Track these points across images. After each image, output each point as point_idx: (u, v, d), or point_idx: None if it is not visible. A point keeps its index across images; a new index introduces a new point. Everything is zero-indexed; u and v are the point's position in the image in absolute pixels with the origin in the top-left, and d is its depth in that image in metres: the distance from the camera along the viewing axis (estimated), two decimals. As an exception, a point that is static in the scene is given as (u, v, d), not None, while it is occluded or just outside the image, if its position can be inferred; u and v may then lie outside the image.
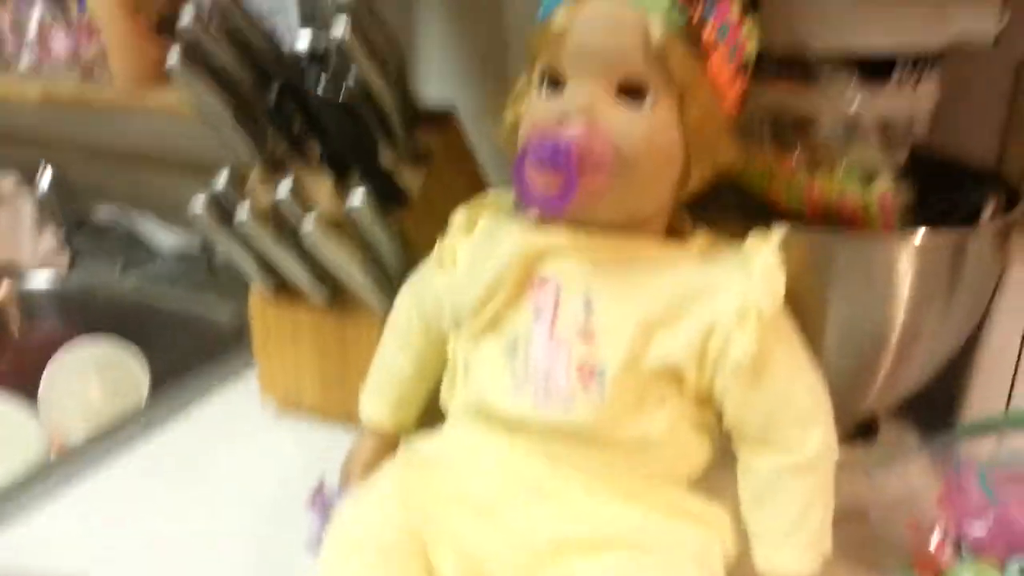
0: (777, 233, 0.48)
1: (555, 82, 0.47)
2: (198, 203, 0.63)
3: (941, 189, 0.60)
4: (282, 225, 0.64)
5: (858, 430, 0.64)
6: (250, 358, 0.84)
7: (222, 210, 0.65)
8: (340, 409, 0.72)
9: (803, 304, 0.50)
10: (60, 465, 0.71)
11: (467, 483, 0.50)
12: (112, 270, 1.12)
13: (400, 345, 0.60)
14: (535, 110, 0.48)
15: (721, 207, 0.54)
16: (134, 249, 1.16)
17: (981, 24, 0.52)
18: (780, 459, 0.48)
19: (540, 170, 0.45)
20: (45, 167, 1.18)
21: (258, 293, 0.72)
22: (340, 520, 0.50)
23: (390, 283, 0.65)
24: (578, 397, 0.47)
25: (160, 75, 0.96)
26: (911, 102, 0.55)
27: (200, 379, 0.82)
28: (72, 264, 1.16)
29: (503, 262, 0.50)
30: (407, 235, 0.65)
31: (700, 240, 0.50)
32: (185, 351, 0.94)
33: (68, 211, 1.20)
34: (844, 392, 0.53)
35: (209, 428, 0.76)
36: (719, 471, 0.51)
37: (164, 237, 1.16)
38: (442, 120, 0.70)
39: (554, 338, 0.48)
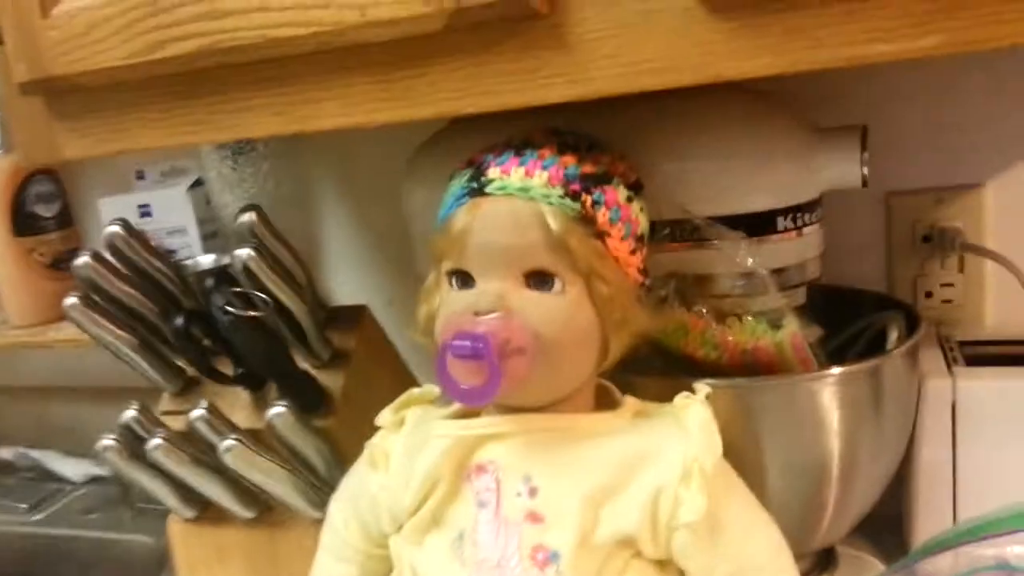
0: (702, 388, 0.49)
1: (464, 279, 0.48)
2: (105, 440, 0.60)
3: (843, 318, 0.63)
4: (199, 448, 0.61)
5: (818, 562, 0.63)
6: (176, 589, 0.78)
7: (132, 442, 0.62)
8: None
9: (740, 453, 0.50)
10: None
11: None
12: (17, 512, 1.04)
13: (338, 552, 0.57)
14: (449, 305, 0.48)
15: (641, 368, 0.55)
16: (40, 486, 1.09)
17: (848, 172, 0.57)
18: None
19: (462, 364, 0.45)
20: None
21: (176, 520, 0.68)
22: None
23: (322, 489, 0.62)
24: None
25: (59, 311, 0.94)
26: (799, 248, 0.58)
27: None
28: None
29: (436, 457, 0.49)
30: (334, 438, 0.63)
31: (629, 406, 0.50)
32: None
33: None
34: (796, 529, 0.53)
35: None
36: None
37: (72, 468, 1.10)
38: (355, 316, 0.70)
39: (501, 525, 0.47)
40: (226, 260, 0.61)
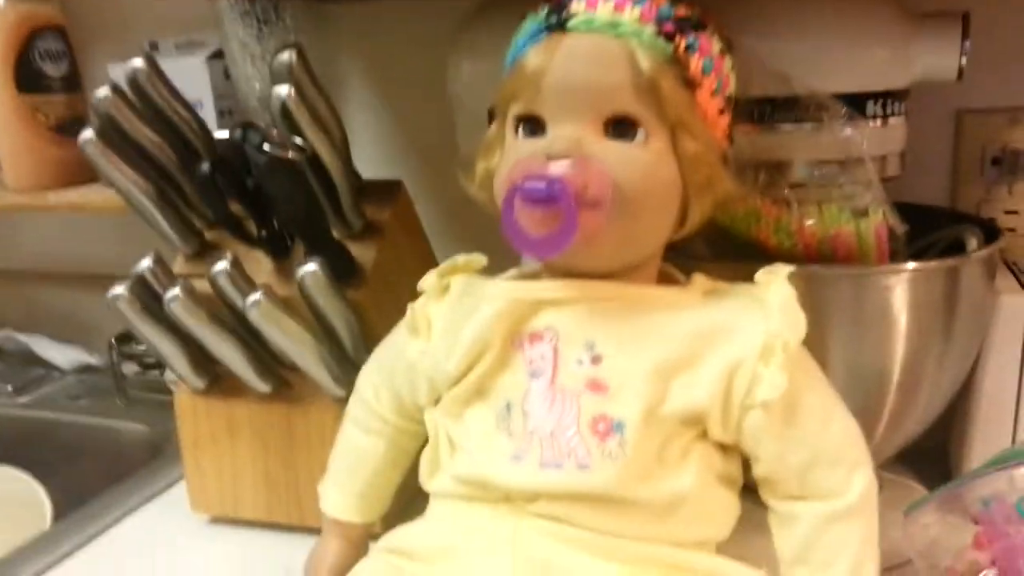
0: (783, 268, 0.45)
1: (534, 127, 0.44)
2: (119, 287, 0.56)
3: (918, 230, 0.60)
4: (218, 306, 0.57)
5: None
6: (171, 477, 0.75)
7: (147, 296, 0.57)
8: (289, 514, 0.64)
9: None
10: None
11: (467, 570, 0.43)
12: (3, 393, 1.00)
13: (366, 426, 0.53)
14: (517, 152, 0.44)
15: (694, 254, 0.51)
16: (27, 370, 1.05)
17: (945, 61, 0.53)
18: (825, 506, 0.43)
19: (533, 209, 0.41)
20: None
21: (185, 392, 0.64)
22: None
23: (347, 364, 0.58)
24: (596, 455, 0.42)
25: (60, 178, 0.89)
26: (884, 138, 0.54)
27: (114, 502, 0.72)
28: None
29: (487, 321, 0.45)
30: (362, 312, 0.59)
31: (699, 284, 0.46)
32: (95, 472, 0.83)
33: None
34: None
35: (129, 553, 0.65)
36: (745, 534, 0.46)
37: (61, 354, 1.05)
38: (390, 191, 0.65)
39: (556, 394, 0.43)
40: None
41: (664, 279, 0.47)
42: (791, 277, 0.44)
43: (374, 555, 0.47)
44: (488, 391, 0.46)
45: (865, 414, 0.53)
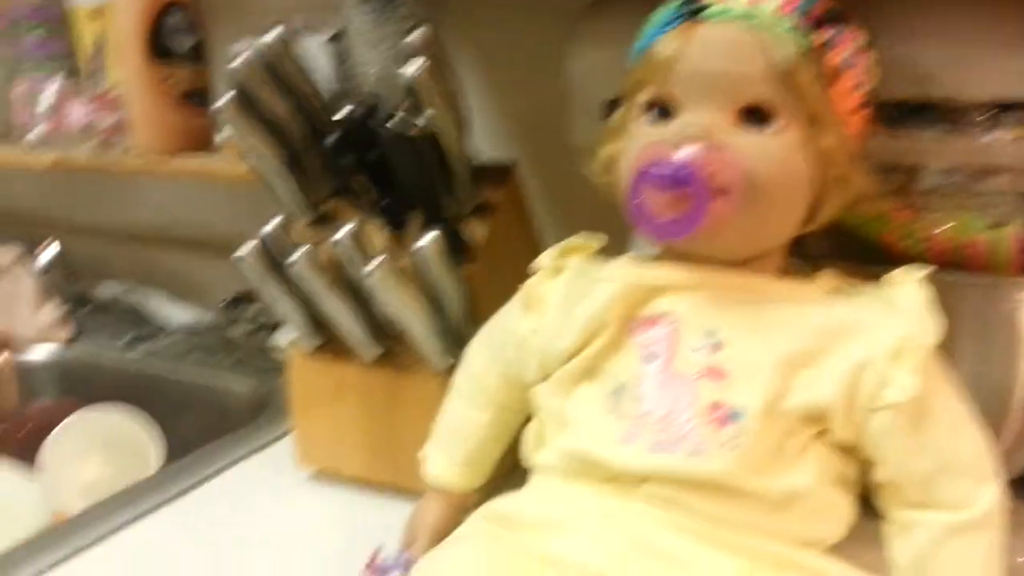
0: (920, 270, 0.44)
1: (663, 113, 0.44)
2: (246, 246, 0.59)
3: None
4: (335, 271, 0.59)
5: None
6: (275, 432, 0.78)
7: (269, 256, 0.60)
8: (387, 477, 0.65)
9: None
10: (60, 534, 0.63)
11: (567, 545, 0.43)
12: (118, 345, 1.06)
13: (473, 398, 0.55)
14: (645, 137, 0.44)
15: (811, 255, 0.50)
16: (142, 325, 1.10)
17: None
18: (948, 517, 0.42)
19: (662, 192, 0.41)
20: (49, 242, 1.14)
21: (297, 351, 0.66)
22: None
23: (453, 338, 0.60)
24: (710, 442, 0.42)
25: (183, 145, 0.94)
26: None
27: (219, 452, 0.75)
28: (74, 339, 1.09)
29: (603, 302, 0.46)
30: (473, 288, 0.60)
31: (826, 280, 0.46)
32: (200, 426, 0.87)
33: (71, 288, 1.15)
34: None
35: (233, 499, 0.68)
36: (855, 547, 0.45)
37: (173, 312, 1.11)
38: (503, 173, 0.66)
39: (673, 378, 0.43)
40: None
41: (787, 274, 0.47)
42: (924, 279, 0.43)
43: (474, 521, 0.48)
44: (598, 372, 0.46)
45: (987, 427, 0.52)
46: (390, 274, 0.55)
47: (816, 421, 0.42)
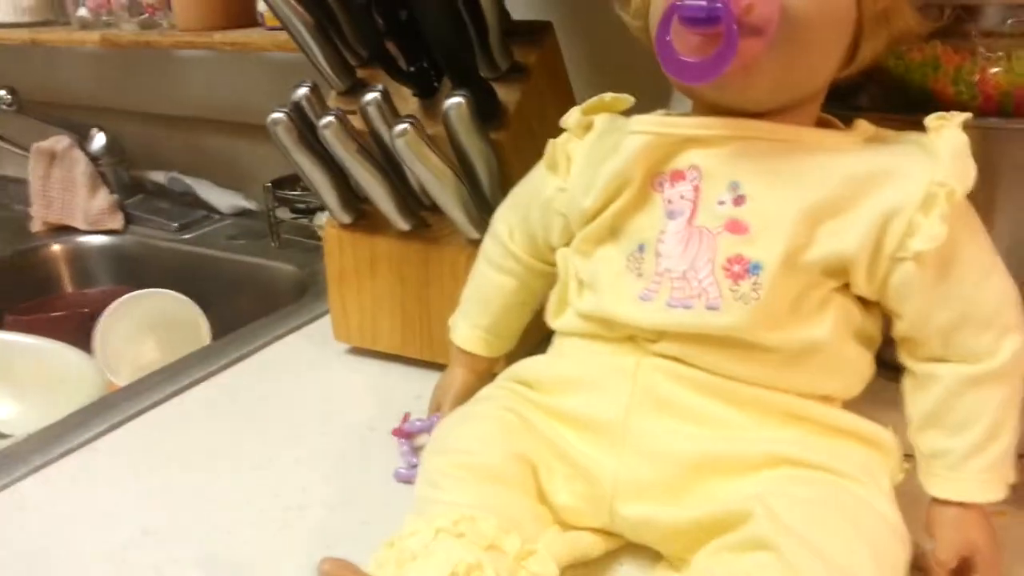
0: (959, 115, 0.41)
1: None
2: (277, 112, 0.58)
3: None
4: (367, 138, 0.58)
5: None
6: (317, 311, 0.79)
7: (302, 123, 0.59)
8: (420, 351, 0.66)
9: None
10: (112, 403, 0.66)
11: (585, 401, 0.44)
12: (168, 230, 1.08)
13: (499, 264, 0.54)
14: None
15: (860, 103, 0.48)
16: (190, 211, 1.12)
17: None
18: (968, 368, 0.41)
19: (692, 29, 0.39)
20: (97, 131, 1.15)
21: (332, 222, 0.66)
22: (438, 446, 0.45)
23: (484, 204, 0.59)
24: (727, 296, 0.41)
25: (225, 20, 0.92)
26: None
27: (263, 328, 0.77)
28: (126, 226, 1.12)
29: (630, 154, 0.44)
30: (503, 153, 0.59)
31: (862, 130, 0.43)
32: (247, 306, 0.89)
33: (121, 175, 1.16)
34: None
35: (275, 372, 0.70)
36: (876, 410, 0.44)
37: (221, 199, 1.12)
38: (538, 33, 0.64)
39: (693, 234, 0.42)
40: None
41: (823, 125, 0.44)
42: (965, 126, 0.40)
43: (496, 383, 0.49)
44: (622, 231, 0.45)
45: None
46: (417, 138, 0.54)
47: (839, 273, 0.41)
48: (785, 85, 0.41)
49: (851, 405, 0.45)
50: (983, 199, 0.46)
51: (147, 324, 0.90)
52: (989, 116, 0.46)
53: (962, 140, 0.40)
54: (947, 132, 0.40)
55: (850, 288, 0.42)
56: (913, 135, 0.42)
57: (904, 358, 0.43)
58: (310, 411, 0.63)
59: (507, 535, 0.39)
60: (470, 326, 0.56)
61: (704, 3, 0.38)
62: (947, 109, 0.46)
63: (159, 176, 1.17)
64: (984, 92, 0.46)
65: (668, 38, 0.40)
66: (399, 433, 0.57)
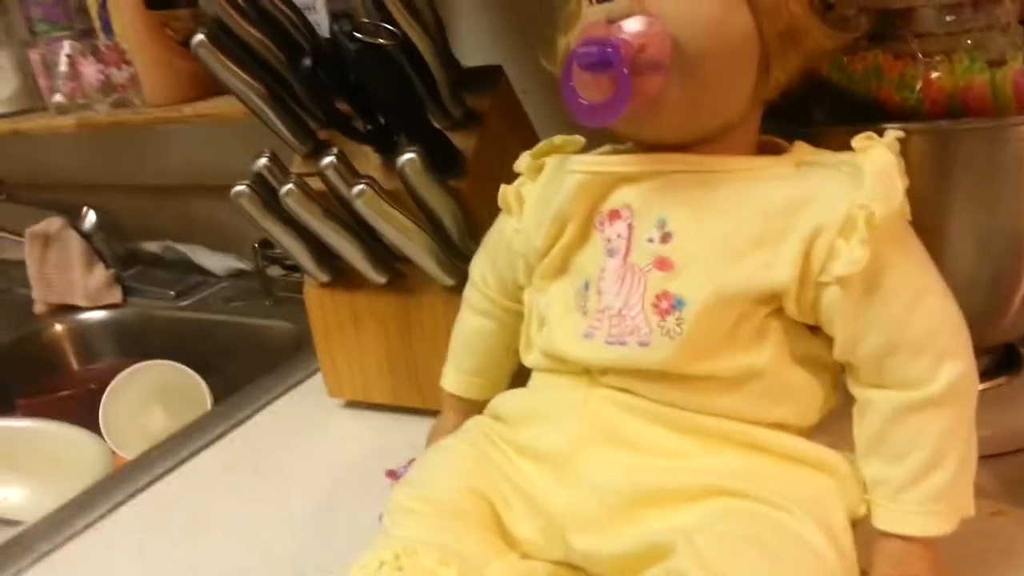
0: (892, 132, 0.41)
1: None
2: (240, 185, 0.59)
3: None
4: (331, 200, 0.59)
5: (998, 361, 0.56)
6: (310, 368, 0.80)
7: (266, 192, 0.60)
8: (412, 400, 0.67)
9: (925, 215, 0.42)
10: (118, 479, 0.67)
11: (541, 435, 0.45)
12: (166, 299, 1.10)
13: (477, 308, 0.55)
14: (585, 17, 0.42)
15: (807, 121, 0.48)
16: (187, 277, 1.14)
17: None
18: (903, 395, 0.40)
19: (588, 74, 0.39)
20: (88, 209, 1.17)
21: (312, 285, 0.67)
22: (405, 479, 0.47)
23: (454, 251, 0.59)
24: (655, 331, 0.41)
25: (193, 91, 0.94)
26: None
27: (260, 390, 0.78)
28: (125, 298, 1.14)
29: (569, 193, 0.45)
30: (466, 200, 0.59)
31: (796, 153, 0.43)
32: (246, 368, 0.89)
33: (115, 249, 1.18)
34: (979, 313, 0.45)
35: (275, 432, 0.71)
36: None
37: (215, 262, 1.14)
38: (489, 77, 0.64)
39: (627, 272, 0.43)
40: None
41: (767, 149, 0.45)
42: (900, 141, 0.40)
43: (478, 418, 0.50)
44: (570, 268, 0.46)
45: (997, 285, 0.50)
46: (375, 197, 0.55)
47: (771, 300, 0.41)
48: (697, 115, 0.41)
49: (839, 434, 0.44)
50: (938, 203, 0.47)
51: (150, 395, 0.91)
52: (938, 119, 0.46)
53: (887, 160, 0.39)
54: (873, 152, 0.40)
55: (787, 314, 0.41)
56: (846, 156, 0.41)
57: (849, 385, 0.43)
58: (309, 468, 0.64)
59: (446, 568, 0.40)
60: (457, 371, 0.57)
61: (595, 49, 0.38)
62: (896, 117, 0.47)
63: (153, 246, 1.18)
64: (929, 97, 0.46)
65: (571, 83, 0.40)
66: (391, 475, 0.58)
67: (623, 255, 0.43)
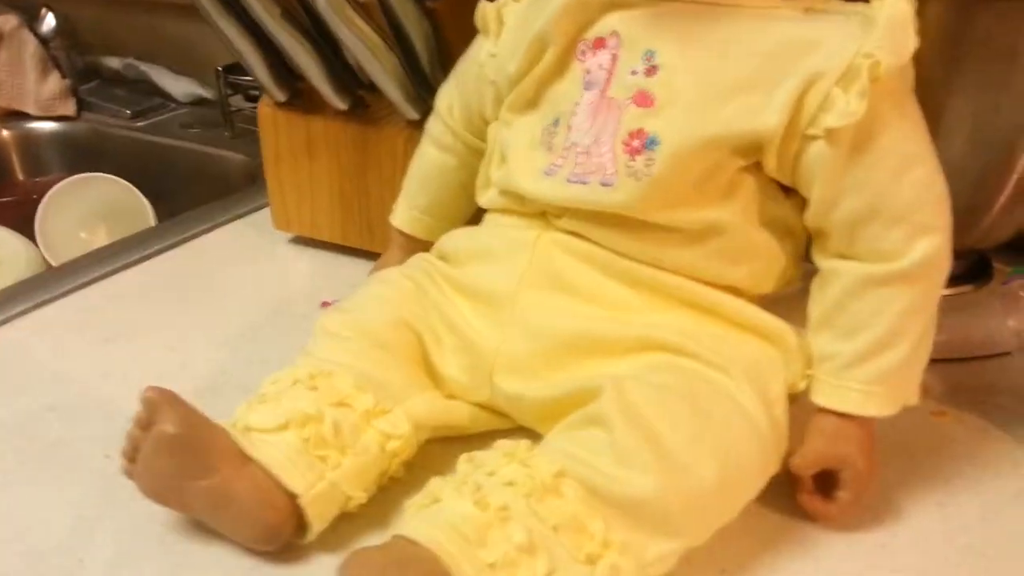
0: None
1: None
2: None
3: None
4: (294, 6, 0.54)
5: (970, 270, 0.54)
6: (264, 201, 0.76)
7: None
8: (361, 238, 0.64)
9: (920, 92, 0.39)
10: (49, 278, 0.64)
11: (484, 274, 0.43)
12: (121, 118, 1.04)
13: (439, 142, 0.52)
14: None
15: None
16: (145, 98, 1.07)
17: None
18: (871, 267, 0.37)
19: None
20: (47, 11, 1.09)
21: (268, 104, 0.63)
22: (334, 307, 0.45)
23: (423, 82, 0.55)
24: (621, 172, 0.38)
25: None
26: None
27: (209, 214, 0.74)
28: (79, 112, 1.08)
29: (550, 17, 0.41)
30: (441, 23, 0.55)
31: None
32: (197, 197, 0.85)
33: (74, 60, 1.11)
34: (962, 208, 0.43)
35: (214, 256, 0.68)
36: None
37: (177, 86, 1.07)
38: None
39: (603, 106, 0.39)
40: None
41: None
42: (918, 3, 0.36)
43: (423, 255, 0.48)
44: (542, 101, 0.43)
45: (984, 180, 0.47)
46: (343, 1, 0.50)
47: (750, 152, 0.38)
48: None
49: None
50: (942, 80, 0.43)
51: (92, 211, 0.87)
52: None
53: (904, 11, 0.36)
54: (890, 1, 0.36)
55: (763, 169, 0.39)
56: (860, 5, 0.38)
57: (814, 255, 0.40)
58: (240, 296, 0.61)
59: (362, 393, 0.39)
60: (408, 206, 0.54)
61: None
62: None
63: (114, 62, 1.12)
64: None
65: None
66: (325, 306, 0.56)
67: (602, 88, 0.40)
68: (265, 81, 0.60)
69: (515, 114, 0.44)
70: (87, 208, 0.86)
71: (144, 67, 1.09)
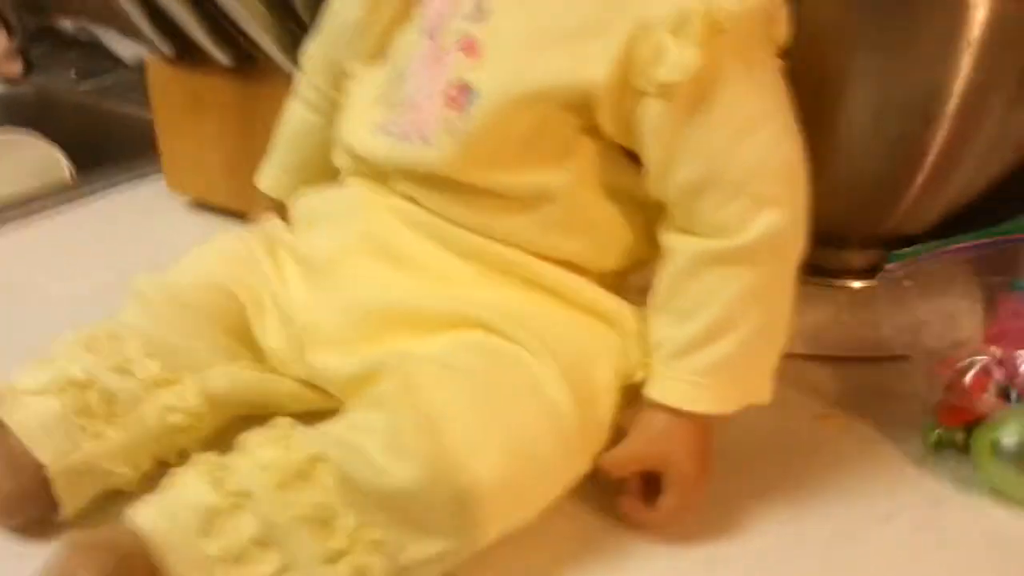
0: None
1: None
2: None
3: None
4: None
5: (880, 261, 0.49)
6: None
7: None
8: (248, 201, 0.59)
9: (820, 50, 0.36)
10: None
11: (313, 238, 0.39)
12: (66, 80, 1.01)
13: (303, 98, 0.48)
14: None
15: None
16: (95, 62, 1.04)
17: None
18: (706, 243, 0.33)
19: None
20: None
21: (155, 61, 0.59)
22: (164, 273, 0.41)
23: (302, 34, 0.51)
24: (439, 128, 0.34)
25: None
26: None
27: (104, 174, 0.71)
28: (27, 72, 1.05)
29: None
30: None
31: None
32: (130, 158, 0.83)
33: (29, 21, 1.09)
34: (871, 192, 0.39)
35: (100, 218, 0.65)
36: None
37: (127, 49, 1.04)
38: None
39: (437, 55, 0.35)
40: None
41: None
42: None
43: (273, 220, 0.44)
44: (389, 52, 0.39)
45: (896, 156, 0.42)
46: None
47: (582, 109, 0.33)
48: None
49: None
50: (846, 34, 0.38)
51: (10, 170, 0.83)
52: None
53: None
54: None
55: (600, 132, 0.34)
56: None
57: (658, 230, 0.35)
58: (118, 257, 0.58)
59: (150, 360, 0.35)
60: (274, 168, 0.50)
61: None
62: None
63: (67, 24, 1.09)
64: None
65: None
66: None
67: (436, 35, 0.36)
68: (148, 32, 0.56)
69: (365, 67, 0.40)
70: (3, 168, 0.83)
71: (96, 30, 1.06)
